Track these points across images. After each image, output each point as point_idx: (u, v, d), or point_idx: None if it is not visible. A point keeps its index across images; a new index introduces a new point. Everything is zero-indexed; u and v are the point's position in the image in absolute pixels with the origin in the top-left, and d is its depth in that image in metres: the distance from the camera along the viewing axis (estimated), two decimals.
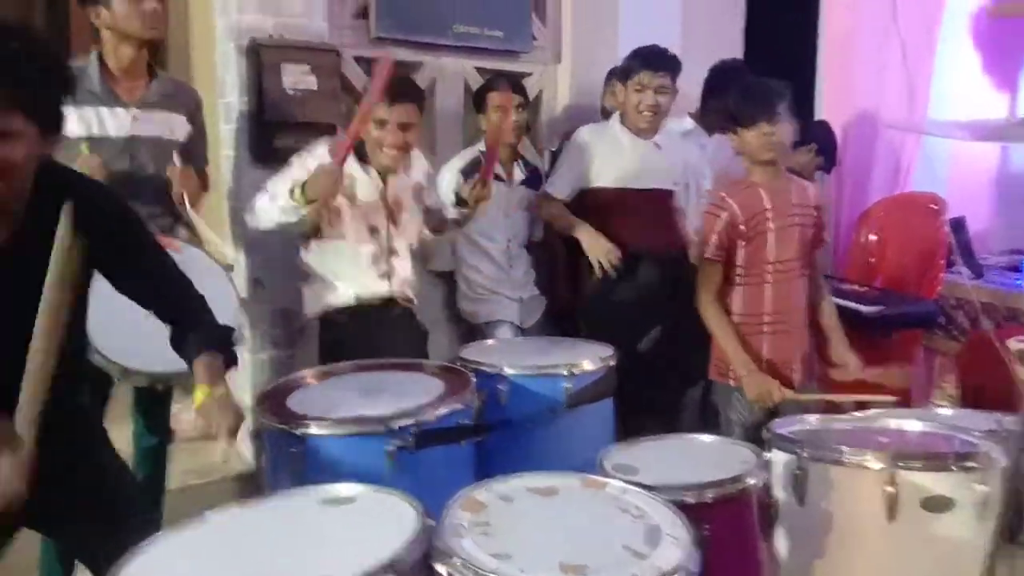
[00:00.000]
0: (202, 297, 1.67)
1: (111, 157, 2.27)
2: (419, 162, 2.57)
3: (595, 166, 2.91)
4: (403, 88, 2.36)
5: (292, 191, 2.24)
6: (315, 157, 2.35)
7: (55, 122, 1.38)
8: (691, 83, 3.17)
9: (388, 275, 2.46)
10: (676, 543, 1.15)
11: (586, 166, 2.91)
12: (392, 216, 2.46)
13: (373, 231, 2.43)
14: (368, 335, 2.38)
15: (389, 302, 2.47)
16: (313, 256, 2.44)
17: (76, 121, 2.24)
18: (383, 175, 2.42)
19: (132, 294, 1.62)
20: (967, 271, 3.49)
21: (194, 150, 2.51)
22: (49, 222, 1.37)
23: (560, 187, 2.95)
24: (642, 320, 2.87)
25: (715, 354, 2.46)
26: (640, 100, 2.81)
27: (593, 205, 2.94)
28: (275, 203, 2.30)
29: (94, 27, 2.34)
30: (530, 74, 3.37)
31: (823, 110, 3.86)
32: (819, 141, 3.44)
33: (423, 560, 1.16)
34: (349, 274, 2.42)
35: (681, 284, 2.66)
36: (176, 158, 2.40)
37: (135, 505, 1.65)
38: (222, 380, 1.54)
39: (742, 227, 2.35)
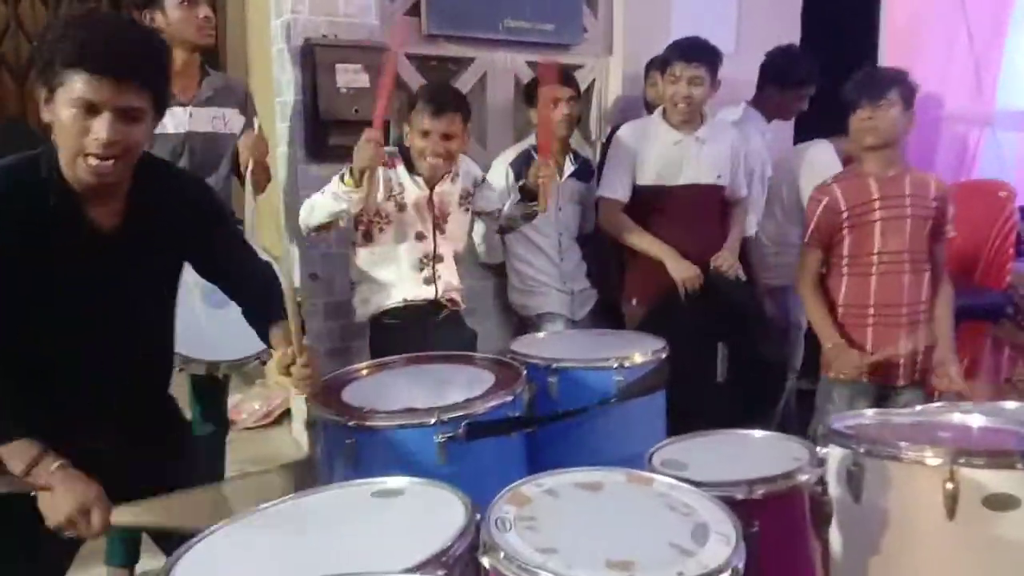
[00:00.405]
0: (272, 269, 1.76)
1: (170, 152, 2.36)
2: (467, 167, 2.59)
3: (638, 163, 2.88)
4: (447, 98, 2.38)
5: (342, 176, 2.28)
6: None
7: (164, 105, 1.45)
8: (749, 72, 3.11)
9: (433, 280, 2.50)
10: (724, 540, 1.14)
11: (631, 164, 2.88)
12: (438, 223, 2.49)
13: (419, 237, 2.46)
14: (416, 337, 2.40)
15: (436, 305, 2.51)
16: (362, 261, 2.49)
17: None
18: (429, 182, 2.45)
19: (215, 276, 1.70)
20: None
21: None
22: (151, 208, 1.48)
23: (613, 189, 2.90)
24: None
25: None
26: (675, 91, 2.77)
27: (638, 203, 2.91)
28: (327, 193, 2.33)
29: None
30: (581, 66, 3.36)
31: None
32: None
33: (470, 553, 1.17)
34: (396, 279, 2.47)
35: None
36: (255, 122, 2.48)
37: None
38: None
39: (844, 214, 2.35)
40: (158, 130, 2.35)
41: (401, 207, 2.43)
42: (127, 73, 1.32)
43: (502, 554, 1.11)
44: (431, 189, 2.46)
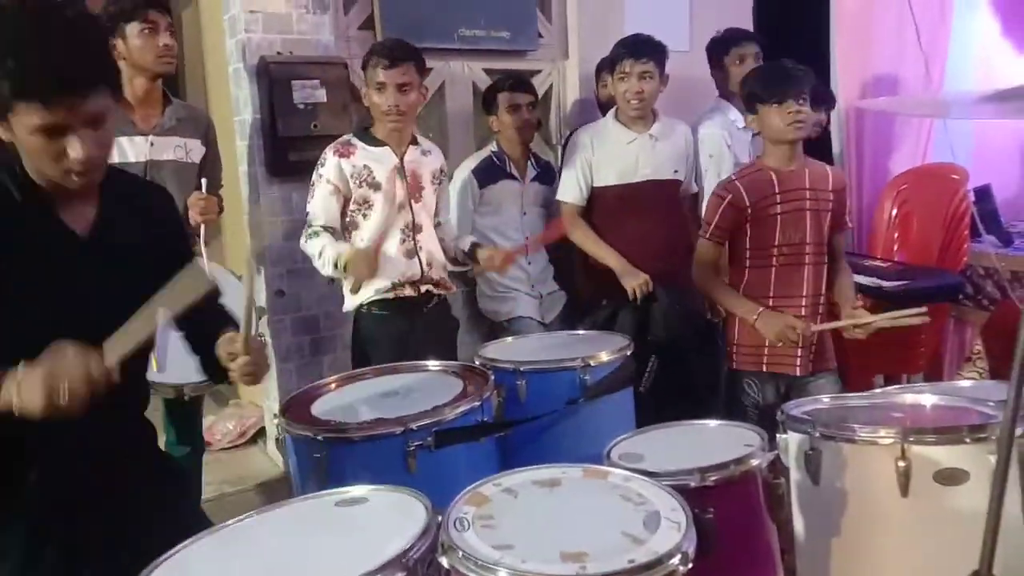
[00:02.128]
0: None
1: None
2: (437, 152, 2.62)
3: (595, 165, 2.93)
4: (399, 49, 2.40)
5: (336, 264, 2.32)
6: (330, 164, 2.42)
7: (119, 84, 1.40)
8: (704, 70, 3.17)
9: (416, 253, 2.49)
10: (675, 527, 1.17)
11: (586, 167, 2.93)
12: (412, 192, 2.49)
13: (399, 208, 2.46)
14: (402, 327, 2.43)
15: (425, 296, 2.52)
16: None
17: None
18: (396, 151, 2.46)
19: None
20: (994, 240, 3.43)
21: (209, 172, 2.59)
22: (122, 212, 1.44)
23: (570, 193, 2.95)
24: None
25: (726, 340, 2.50)
26: (626, 88, 2.81)
27: (597, 205, 2.96)
28: (324, 263, 2.36)
29: None
30: (539, 71, 3.40)
31: (838, 88, 3.81)
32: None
33: (431, 554, 1.19)
34: (384, 261, 2.43)
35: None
36: (203, 184, 2.48)
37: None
38: None
39: (748, 210, 2.37)
40: (119, 159, 2.38)
41: (375, 186, 2.43)
42: (82, 86, 1.24)
43: (460, 553, 1.13)
44: (400, 158, 2.46)
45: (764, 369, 2.41)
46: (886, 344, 2.65)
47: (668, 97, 2.92)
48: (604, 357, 2.21)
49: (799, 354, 2.38)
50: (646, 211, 2.91)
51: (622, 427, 2.22)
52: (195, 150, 2.52)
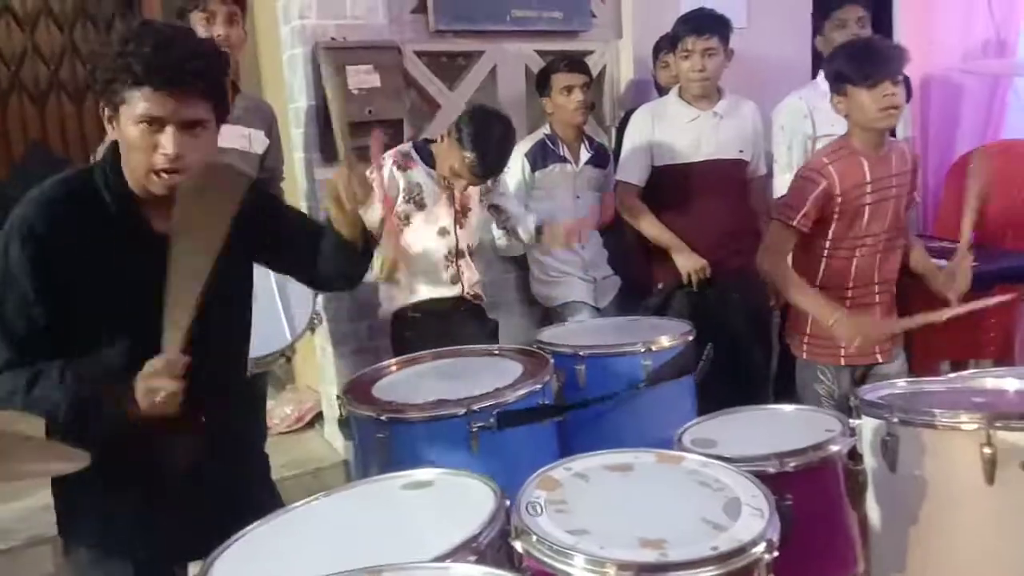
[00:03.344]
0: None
1: None
2: None
3: (655, 145, 2.86)
4: (500, 154, 2.42)
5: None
6: (387, 172, 2.44)
7: (226, 113, 1.44)
8: (761, 46, 3.07)
9: (457, 278, 2.54)
10: (758, 514, 1.13)
11: (647, 146, 2.87)
12: (458, 217, 2.51)
13: (442, 232, 2.49)
14: (439, 329, 2.43)
15: (459, 301, 2.55)
16: None
17: None
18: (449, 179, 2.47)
19: (293, 267, 1.69)
20: None
21: (271, 162, 2.64)
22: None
23: (630, 174, 2.89)
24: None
25: (793, 328, 2.38)
26: (689, 66, 2.74)
27: (657, 185, 2.89)
28: None
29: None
30: (592, 52, 3.33)
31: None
32: None
33: (501, 539, 1.18)
34: (420, 278, 2.50)
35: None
36: (261, 147, 2.52)
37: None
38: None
39: (839, 199, 2.17)
40: None
41: (421, 206, 2.45)
42: (188, 84, 1.31)
43: (534, 537, 1.11)
44: (451, 185, 2.47)
45: (843, 363, 2.27)
46: (956, 328, 2.53)
47: (726, 76, 2.84)
48: (666, 343, 2.18)
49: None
50: (707, 192, 2.83)
51: (683, 414, 2.19)
52: (258, 141, 2.55)
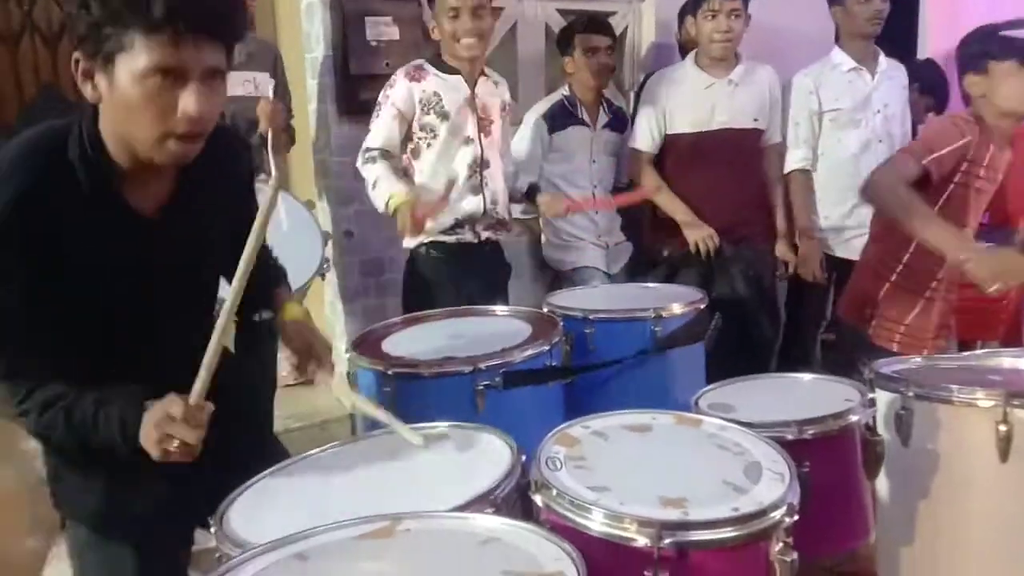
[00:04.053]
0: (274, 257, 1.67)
1: None
2: (503, 84, 2.55)
3: (668, 112, 2.84)
4: None
5: (387, 204, 2.26)
6: (400, 87, 2.35)
7: (232, 61, 1.21)
8: (785, 16, 3.02)
9: (481, 188, 2.43)
10: (778, 478, 1.13)
11: (660, 113, 2.84)
12: (482, 124, 2.42)
13: (467, 141, 2.40)
14: (455, 270, 2.39)
15: (483, 243, 2.47)
16: (415, 180, 2.43)
17: None
18: (469, 81, 2.40)
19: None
20: None
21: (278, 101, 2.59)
22: (200, 182, 1.29)
23: (643, 140, 2.88)
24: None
25: (886, 317, 2.24)
26: (714, 26, 2.70)
27: (670, 152, 2.87)
28: (376, 200, 2.30)
29: None
30: (614, 13, 3.28)
31: (927, 46, 3.61)
32: (926, 81, 3.25)
33: (516, 493, 1.17)
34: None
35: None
36: (269, 90, 2.47)
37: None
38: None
39: (964, 165, 2.04)
40: None
41: (443, 115, 2.37)
42: (216, 27, 1.11)
43: (555, 491, 1.11)
44: (472, 88, 2.40)
45: (895, 348, 2.20)
46: (965, 309, 2.53)
47: (751, 46, 2.79)
48: (677, 310, 2.16)
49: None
50: (720, 161, 2.81)
51: (692, 381, 2.18)
52: (263, 83, 2.52)
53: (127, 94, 1.09)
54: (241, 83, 2.47)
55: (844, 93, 2.87)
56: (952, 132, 2.03)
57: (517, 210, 3.11)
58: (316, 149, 2.97)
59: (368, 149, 2.37)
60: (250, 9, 2.47)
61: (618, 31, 3.26)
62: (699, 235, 2.77)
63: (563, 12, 3.18)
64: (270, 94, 2.52)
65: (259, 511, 1.20)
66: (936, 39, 3.68)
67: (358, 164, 2.38)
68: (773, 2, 3.23)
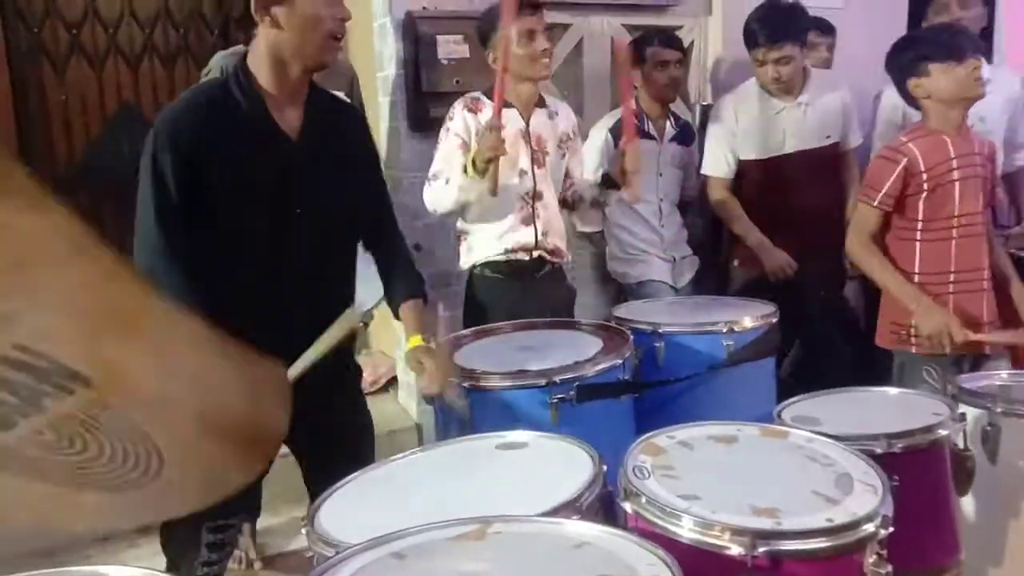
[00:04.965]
0: (403, 237, 1.87)
1: None
2: (566, 112, 2.54)
3: (739, 138, 2.81)
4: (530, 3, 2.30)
5: (465, 168, 2.23)
6: (459, 119, 2.37)
7: None
8: (858, 24, 2.98)
9: (532, 220, 2.41)
10: (871, 490, 1.11)
11: (731, 138, 2.82)
12: (536, 156, 2.42)
13: (521, 174, 2.39)
14: (515, 291, 2.39)
15: (538, 261, 2.44)
16: (469, 221, 2.46)
17: None
18: (523, 114, 2.40)
19: (366, 224, 1.79)
20: None
21: None
22: (325, 120, 1.62)
23: (717, 167, 2.86)
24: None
25: (887, 317, 2.31)
26: (762, 72, 2.69)
27: (745, 177, 2.85)
28: (452, 185, 2.30)
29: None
30: (680, 27, 3.28)
31: (1005, 57, 3.52)
32: None
33: (599, 502, 1.18)
34: (497, 224, 2.39)
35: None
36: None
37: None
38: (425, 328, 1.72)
39: (923, 176, 2.18)
40: None
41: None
42: None
43: (644, 499, 1.11)
44: (527, 121, 2.40)
45: (948, 352, 2.16)
46: None
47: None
48: (749, 323, 2.15)
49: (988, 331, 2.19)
50: (795, 183, 2.77)
51: (764, 395, 2.17)
52: None
53: (305, 12, 1.47)
54: None
55: None
56: (885, 166, 2.22)
57: (580, 224, 3.14)
58: (387, 165, 3.03)
59: (435, 175, 2.37)
60: None
61: (684, 45, 3.26)
62: (777, 264, 2.71)
63: (629, 27, 3.20)
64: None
65: (349, 511, 1.23)
66: (1012, 47, 3.58)
67: (424, 195, 2.39)
68: (857, 14, 3.21)
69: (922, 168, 2.17)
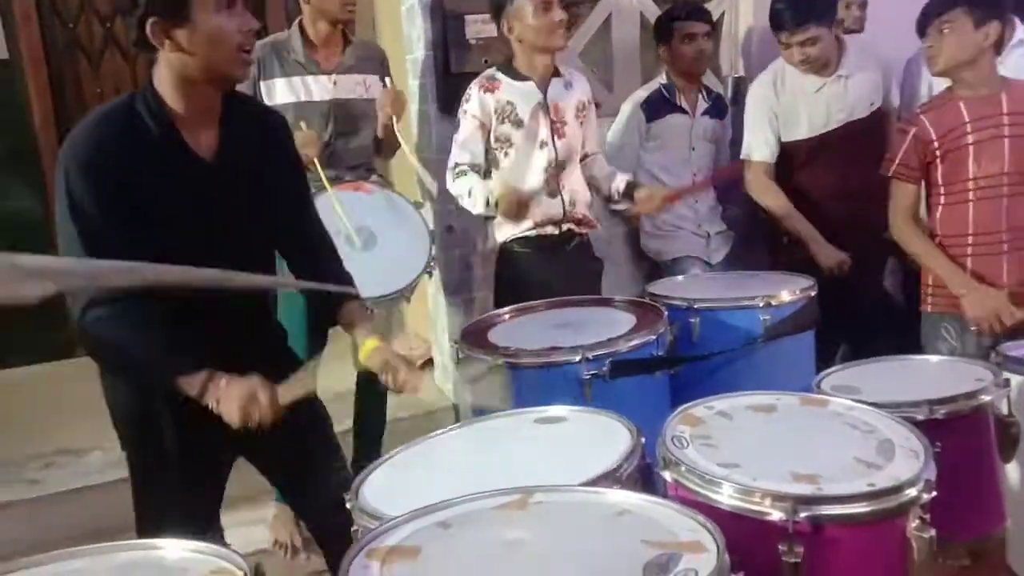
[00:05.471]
0: (330, 238, 1.76)
1: (315, 117, 2.48)
2: (580, 81, 2.55)
3: (781, 120, 2.76)
4: None
5: (487, 201, 2.31)
6: (475, 100, 2.40)
7: None
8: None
9: (558, 191, 2.44)
10: (913, 455, 1.11)
11: (773, 119, 2.76)
12: (555, 127, 2.43)
13: (542, 145, 2.41)
14: (543, 265, 2.41)
15: (567, 234, 2.47)
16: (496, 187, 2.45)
17: (286, 88, 2.47)
18: (540, 86, 2.41)
19: (284, 227, 1.69)
20: None
21: None
22: (242, 135, 1.54)
23: (759, 151, 2.79)
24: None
25: (923, 282, 2.33)
26: (788, 55, 2.64)
27: (788, 159, 2.80)
28: (475, 203, 2.35)
29: (287, 5, 2.52)
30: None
31: None
32: None
33: (638, 473, 1.19)
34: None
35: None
36: (388, 81, 2.56)
37: (333, 454, 1.78)
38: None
39: (934, 144, 2.22)
40: (304, 97, 2.49)
41: (518, 123, 2.40)
42: None
43: (683, 467, 1.12)
44: (544, 92, 2.41)
45: (999, 332, 2.15)
46: None
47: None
48: (786, 297, 2.13)
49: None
50: (843, 157, 2.72)
51: (802, 370, 2.14)
52: (374, 86, 2.60)
53: (209, 27, 1.39)
54: (353, 86, 2.56)
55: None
56: (898, 137, 2.32)
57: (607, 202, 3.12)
58: (419, 148, 3.04)
59: (457, 164, 2.42)
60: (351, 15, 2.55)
61: (715, 16, 3.21)
62: (833, 262, 2.64)
63: (657, 1, 3.16)
64: (379, 95, 2.59)
65: (393, 484, 1.26)
66: None
67: (448, 182, 2.45)
68: None
69: (933, 137, 2.22)
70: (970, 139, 2.18)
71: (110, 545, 1.11)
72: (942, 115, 2.22)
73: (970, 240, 2.23)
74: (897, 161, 2.28)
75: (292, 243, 1.69)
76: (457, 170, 2.41)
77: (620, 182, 2.55)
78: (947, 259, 2.24)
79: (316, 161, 2.39)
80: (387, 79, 2.57)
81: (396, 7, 3.07)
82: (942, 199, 2.27)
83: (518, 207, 2.27)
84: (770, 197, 2.77)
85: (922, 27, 2.20)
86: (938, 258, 2.25)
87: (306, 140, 2.37)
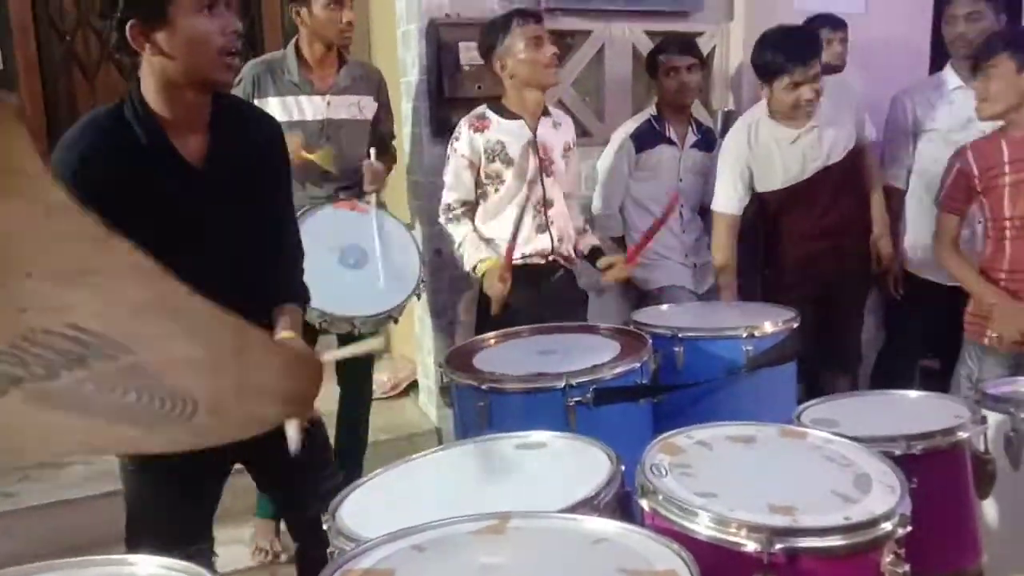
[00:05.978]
0: (299, 258, 1.75)
1: (309, 137, 2.49)
2: (567, 122, 2.60)
3: (755, 169, 2.77)
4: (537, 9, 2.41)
5: (474, 268, 2.39)
6: (464, 139, 2.43)
7: None
8: (881, 31, 2.97)
9: (547, 227, 2.47)
10: (889, 490, 1.11)
11: (746, 171, 2.77)
12: (544, 165, 2.46)
13: (531, 184, 2.43)
14: (528, 294, 2.41)
15: (552, 265, 2.50)
16: (482, 221, 2.50)
17: (279, 107, 2.49)
18: (530, 124, 2.44)
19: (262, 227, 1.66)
20: None
21: (382, 125, 2.72)
22: (232, 140, 1.52)
23: (728, 204, 2.80)
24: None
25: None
26: (797, 96, 2.57)
27: (769, 205, 2.83)
28: (461, 261, 2.44)
29: (283, 23, 2.55)
30: (701, 34, 3.28)
31: None
32: None
33: (616, 501, 1.19)
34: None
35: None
36: (372, 154, 2.59)
37: (328, 462, 1.79)
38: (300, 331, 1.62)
39: (976, 180, 2.30)
40: (297, 116, 2.51)
41: (508, 162, 2.43)
42: None
43: (661, 496, 1.12)
44: (533, 132, 2.45)
45: (986, 343, 2.25)
46: None
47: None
48: (769, 328, 2.14)
49: None
50: (820, 199, 2.76)
51: (784, 401, 2.15)
52: (368, 107, 2.63)
53: (189, 31, 1.37)
54: (346, 107, 2.58)
55: (943, 112, 2.81)
56: (948, 167, 2.40)
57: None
58: (409, 170, 3.06)
59: (449, 207, 2.46)
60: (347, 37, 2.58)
61: (706, 51, 3.26)
62: None
63: (651, 34, 3.20)
64: (371, 116, 2.62)
65: (369, 507, 1.25)
66: None
67: (441, 220, 2.49)
68: (879, 18, 3.20)
69: (975, 172, 2.31)
70: (1007, 179, 2.25)
71: (81, 560, 1.10)
72: (986, 151, 2.31)
73: (1003, 276, 2.29)
74: (945, 192, 2.38)
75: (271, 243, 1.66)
76: (451, 213, 2.47)
77: (585, 246, 2.61)
78: (978, 276, 2.33)
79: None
80: (371, 152, 2.62)
81: (392, 31, 3.11)
82: (988, 232, 2.37)
83: (500, 284, 2.31)
84: (720, 254, 2.82)
85: (973, 72, 2.29)
86: (968, 274, 2.35)
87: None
